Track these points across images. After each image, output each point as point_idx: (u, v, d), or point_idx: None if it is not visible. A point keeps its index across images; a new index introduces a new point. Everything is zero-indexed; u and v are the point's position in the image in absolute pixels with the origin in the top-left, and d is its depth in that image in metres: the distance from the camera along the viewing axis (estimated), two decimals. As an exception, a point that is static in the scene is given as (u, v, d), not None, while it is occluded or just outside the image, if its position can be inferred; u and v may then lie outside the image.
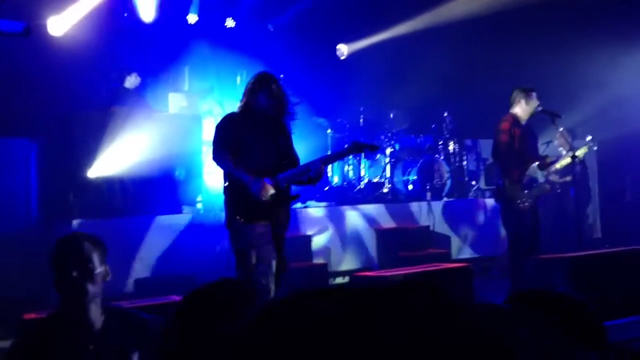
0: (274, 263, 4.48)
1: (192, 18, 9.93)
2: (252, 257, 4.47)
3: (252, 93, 4.74)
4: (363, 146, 4.97)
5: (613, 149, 9.38)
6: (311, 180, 4.72)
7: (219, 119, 5.51)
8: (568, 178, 8.47)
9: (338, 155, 5.39)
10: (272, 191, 4.53)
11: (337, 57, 11.55)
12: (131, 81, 8.10)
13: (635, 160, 10.15)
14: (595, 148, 6.76)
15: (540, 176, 6.25)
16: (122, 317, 2.49)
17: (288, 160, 4.77)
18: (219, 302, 1.62)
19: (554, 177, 7.97)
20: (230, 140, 4.65)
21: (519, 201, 6.06)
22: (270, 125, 4.77)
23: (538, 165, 6.25)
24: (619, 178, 10.07)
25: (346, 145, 5.15)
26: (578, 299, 1.35)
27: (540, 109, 6.29)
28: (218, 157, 4.64)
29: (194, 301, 1.66)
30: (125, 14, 9.46)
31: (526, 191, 6.09)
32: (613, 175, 10.08)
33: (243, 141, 4.66)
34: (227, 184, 4.68)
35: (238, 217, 4.57)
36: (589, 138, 6.80)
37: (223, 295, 1.65)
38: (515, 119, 6.24)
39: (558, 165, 6.41)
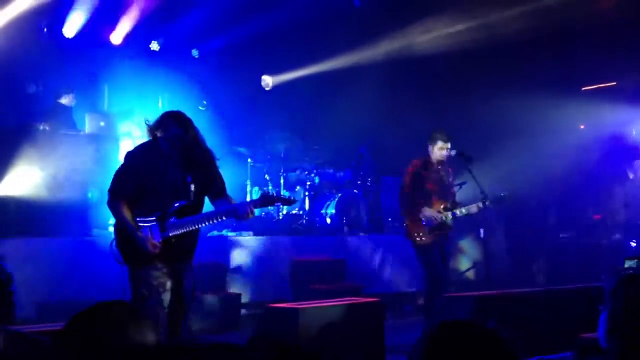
0: (165, 295, 4.37)
1: (115, 39, 9.77)
2: (142, 290, 4.37)
3: (156, 130, 4.42)
4: (274, 200, 4.66)
5: (524, 195, 9.72)
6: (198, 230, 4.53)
7: (137, 142, 5.37)
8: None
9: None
10: (156, 245, 4.35)
11: (262, 88, 11.61)
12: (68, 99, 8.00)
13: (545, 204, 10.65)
14: (507, 200, 6.65)
15: (448, 218, 6.42)
16: (21, 341, 2.37)
17: (211, 192, 4.57)
18: (104, 324, 1.65)
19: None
20: (129, 184, 4.41)
21: (417, 238, 6.27)
22: (182, 159, 4.44)
23: (444, 207, 6.40)
24: (523, 224, 10.51)
25: (254, 199, 4.89)
26: (504, 334, 1.40)
27: (454, 152, 6.49)
28: (110, 205, 4.46)
29: (75, 325, 1.63)
30: (45, 29, 9.20)
31: (427, 228, 6.28)
32: (518, 221, 10.48)
33: (146, 181, 4.40)
34: (115, 225, 4.56)
35: (126, 260, 4.45)
36: (503, 194, 6.69)
37: (107, 318, 1.68)
38: (425, 161, 6.45)
39: (464, 210, 6.47)
